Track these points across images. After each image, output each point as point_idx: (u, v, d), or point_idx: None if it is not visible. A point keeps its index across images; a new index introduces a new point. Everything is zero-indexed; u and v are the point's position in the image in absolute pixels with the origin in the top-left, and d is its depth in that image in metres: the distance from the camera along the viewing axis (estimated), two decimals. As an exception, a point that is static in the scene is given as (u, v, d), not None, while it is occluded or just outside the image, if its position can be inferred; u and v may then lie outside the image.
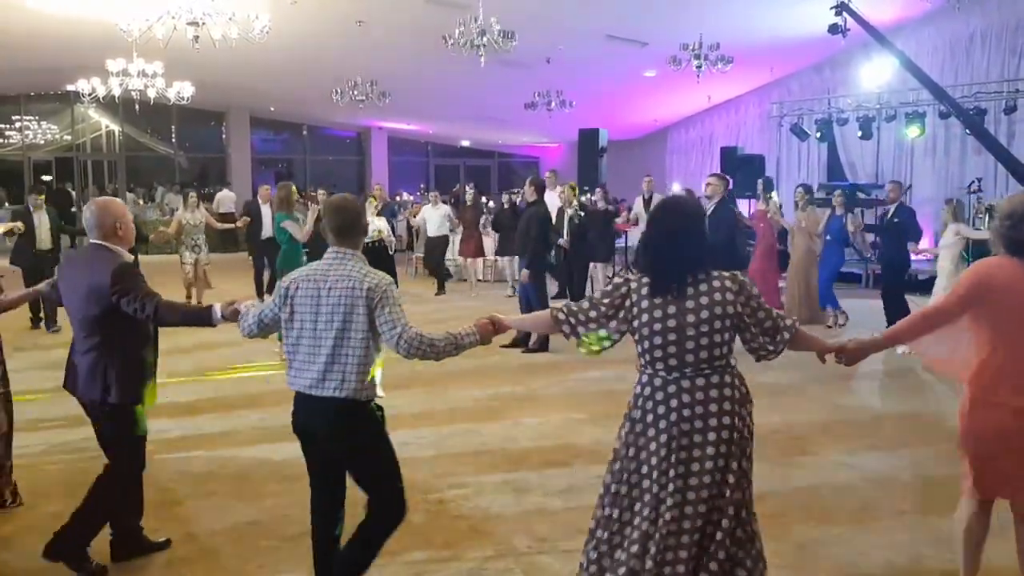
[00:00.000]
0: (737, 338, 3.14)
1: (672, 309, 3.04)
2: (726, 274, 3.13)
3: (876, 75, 16.36)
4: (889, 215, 10.06)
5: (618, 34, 15.23)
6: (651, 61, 16.25)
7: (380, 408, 3.50)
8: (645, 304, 3.09)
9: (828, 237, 10.57)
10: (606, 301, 3.18)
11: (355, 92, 16.96)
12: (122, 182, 24.79)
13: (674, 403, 3.06)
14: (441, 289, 13.65)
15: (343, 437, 3.41)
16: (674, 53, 13.74)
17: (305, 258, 8.37)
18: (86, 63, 15.47)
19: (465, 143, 29.75)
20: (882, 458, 5.81)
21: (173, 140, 26.05)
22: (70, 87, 17.90)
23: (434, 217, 13.84)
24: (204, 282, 11.77)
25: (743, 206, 14.90)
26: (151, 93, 14.44)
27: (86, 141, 25.63)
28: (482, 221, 14.56)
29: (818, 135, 17.09)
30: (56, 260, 9.74)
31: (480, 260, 14.51)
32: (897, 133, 15.88)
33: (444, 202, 14.95)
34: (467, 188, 15.21)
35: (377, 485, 3.50)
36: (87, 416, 4.08)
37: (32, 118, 24.86)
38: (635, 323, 3.11)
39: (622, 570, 3.05)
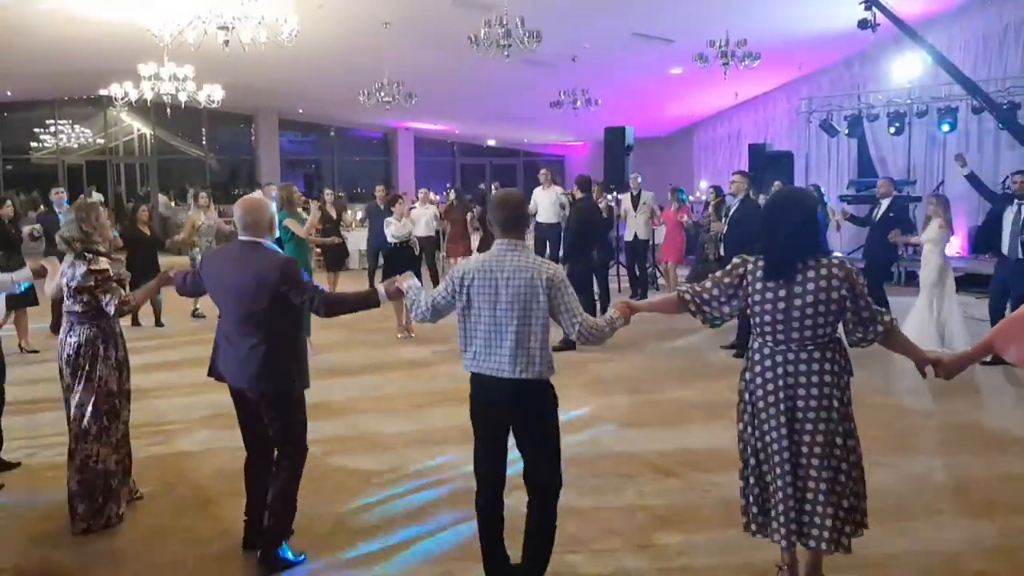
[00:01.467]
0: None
1: (783, 292, 3.47)
2: (835, 261, 3.50)
3: (907, 70, 16.18)
4: (883, 210, 10.10)
5: (644, 32, 15.18)
6: (677, 58, 16.17)
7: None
8: (759, 285, 3.53)
9: None
10: (727, 280, 3.64)
11: (382, 93, 17.02)
12: (154, 184, 25.07)
13: (780, 371, 3.52)
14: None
15: (528, 413, 3.68)
16: (700, 50, 13.66)
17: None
18: (118, 68, 15.65)
19: (491, 142, 29.77)
20: (919, 459, 5.76)
21: (203, 143, 26.29)
22: (103, 91, 18.05)
23: (422, 217, 13.57)
24: None
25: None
26: (182, 97, 14.57)
27: (118, 144, 25.92)
28: (468, 218, 14.52)
29: (846, 132, 16.93)
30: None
31: (462, 259, 14.62)
32: (929, 128, 15.72)
33: (468, 201, 14.99)
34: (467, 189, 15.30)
35: (550, 457, 3.74)
36: (241, 408, 4.18)
37: (66, 122, 25.19)
38: (750, 300, 3.57)
39: (755, 508, 3.67)
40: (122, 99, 15.35)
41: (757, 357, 3.60)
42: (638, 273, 13.52)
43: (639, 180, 13.82)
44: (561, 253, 9.51)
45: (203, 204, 11.93)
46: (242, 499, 5.00)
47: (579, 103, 17.74)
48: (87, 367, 4.49)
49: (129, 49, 14.15)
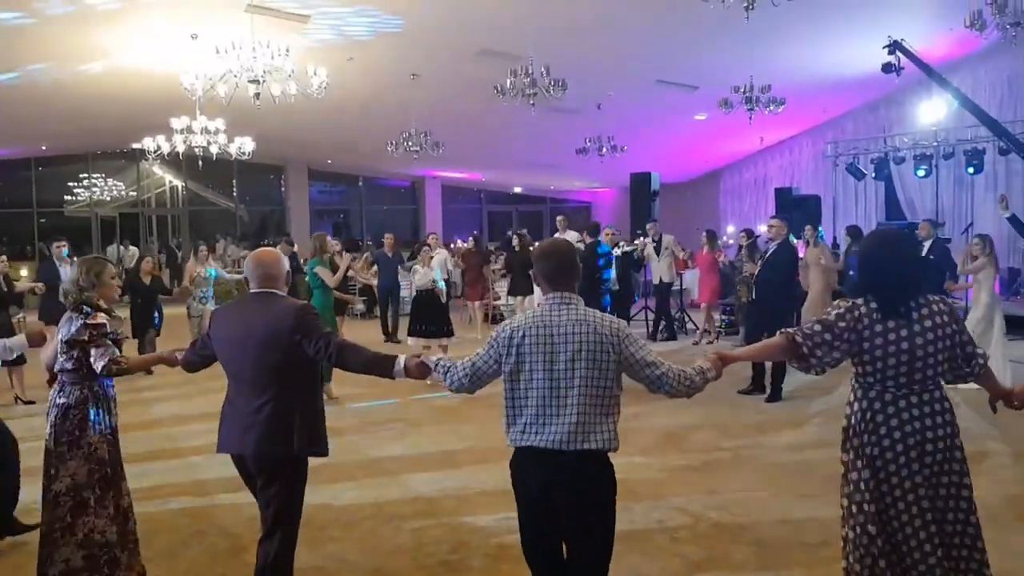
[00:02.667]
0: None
1: (904, 332, 3.27)
2: (936, 298, 3.40)
3: (932, 112, 16.17)
4: (924, 252, 10.20)
5: (668, 78, 15.32)
6: (702, 104, 16.28)
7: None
8: (879, 328, 3.29)
9: (851, 272, 10.65)
10: (840, 324, 3.34)
11: (409, 143, 17.25)
12: (185, 236, 25.43)
13: (905, 416, 3.28)
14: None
15: (585, 493, 3.22)
16: (725, 96, 13.75)
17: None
18: (151, 122, 15.97)
19: (518, 189, 29.96)
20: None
21: (234, 194, 26.69)
22: (135, 145, 18.43)
23: (434, 262, 13.72)
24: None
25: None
26: (213, 149, 14.82)
27: (151, 196, 26.38)
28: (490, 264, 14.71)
29: (874, 175, 16.90)
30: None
31: (479, 302, 14.90)
32: (956, 170, 15.66)
33: (495, 248, 15.17)
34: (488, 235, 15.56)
35: (595, 559, 3.28)
36: (246, 476, 3.84)
37: (99, 175, 25.70)
38: (866, 344, 3.30)
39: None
40: (155, 152, 15.64)
41: (877, 406, 3.31)
42: (663, 317, 13.56)
43: (658, 226, 13.93)
44: None
45: (202, 257, 12.02)
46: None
47: (605, 150, 17.86)
48: (76, 432, 4.14)
49: (162, 103, 14.46)
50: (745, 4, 9.18)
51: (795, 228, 13.53)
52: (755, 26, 10.35)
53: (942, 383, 3.39)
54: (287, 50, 10.94)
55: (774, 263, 9.00)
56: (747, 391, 9.13)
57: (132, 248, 23.58)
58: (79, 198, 25.59)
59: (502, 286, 14.34)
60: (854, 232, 13.44)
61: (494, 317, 15.59)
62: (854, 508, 3.35)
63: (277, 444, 3.63)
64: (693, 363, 3.40)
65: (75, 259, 11.70)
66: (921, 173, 15.78)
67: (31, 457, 5.22)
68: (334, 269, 9.63)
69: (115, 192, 26.02)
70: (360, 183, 28.58)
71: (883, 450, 3.29)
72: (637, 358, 3.22)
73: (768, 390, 8.93)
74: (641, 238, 13.69)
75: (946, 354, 3.33)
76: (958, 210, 16.07)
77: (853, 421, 3.40)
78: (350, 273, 11.07)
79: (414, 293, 10.50)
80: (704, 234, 13.62)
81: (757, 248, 11.39)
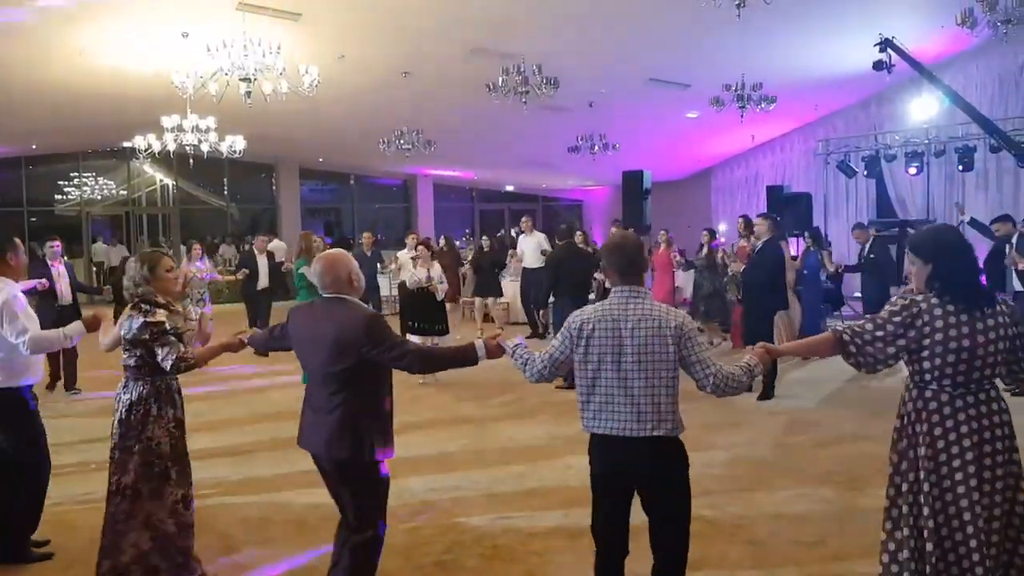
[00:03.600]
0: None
1: (966, 329, 3.22)
2: (1001, 299, 3.38)
3: (923, 110, 16.20)
4: (865, 253, 10.80)
5: (660, 77, 15.32)
6: (694, 102, 16.29)
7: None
8: (940, 324, 3.23)
9: (806, 272, 10.84)
10: (895, 321, 3.29)
11: (401, 141, 17.24)
12: (176, 235, 25.34)
13: (962, 416, 3.23)
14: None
15: (660, 475, 3.45)
16: (717, 94, 13.77)
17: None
18: (142, 120, 15.92)
19: (509, 188, 29.96)
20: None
21: (225, 192, 26.61)
22: (126, 144, 18.38)
23: (409, 262, 13.74)
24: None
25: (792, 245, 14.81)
26: (204, 148, 14.78)
27: (141, 196, 26.27)
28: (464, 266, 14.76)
29: (865, 173, 16.93)
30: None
31: (450, 304, 14.80)
32: (947, 168, 15.70)
33: (488, 247, 15.16)
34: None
35: (681, 520, 3.52)
36: (324, 475, 3.88)
37: (89, 174, 25.59)
38: (925, 341, 3.24)
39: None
40: (145, 151, 15.59)
41: (933, 406, 3.27)
42: None
43: (619, 225, 14.19)
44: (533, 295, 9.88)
45: (195, 256, 11.91)
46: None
47: (597, 148, 17.88)
48: (139, 427, 4.17)
49: (153, 102, 14.41)
50: (737, 2, 9.20)
51: (786, 225, 13.61)
52: (747, 24, 10.38)
53: (998, 384, 3.36)
54: (278, 48, 10.91)
55: (760, 262, 9.00)
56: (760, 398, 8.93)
57: (109, 246, 23.34)
58: (70, 197, 25.48)
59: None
60: (815, 234, 13.61)
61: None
62: (904, 509, 3.29)
63: (344, 447, 3.66)
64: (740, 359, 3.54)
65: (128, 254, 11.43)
66: (913, 171, 15.80)
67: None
68: None
69: (106, 191, 25.91)
70: (352, 181, 28.54)
71: (937, 451, 3.23)
72: (693, 357, 3.38)
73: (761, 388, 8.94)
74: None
75: (1004, 356, 3.29)
76: (949, 208, 16.10)
77: (906, 421, 3.36)
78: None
79: (395, 292, 10.46)
80: (704, 232, 13.60)
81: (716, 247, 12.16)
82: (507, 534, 5.17)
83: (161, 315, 4.18)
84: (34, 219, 24.92)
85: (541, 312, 13.14)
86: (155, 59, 13.21)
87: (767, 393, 8.82)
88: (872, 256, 10.73)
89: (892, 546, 3.30)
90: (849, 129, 18.33)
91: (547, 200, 30.87)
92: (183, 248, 23.90)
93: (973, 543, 3.14)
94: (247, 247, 16.61)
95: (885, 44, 11.80)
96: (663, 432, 3.37)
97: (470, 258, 15.52)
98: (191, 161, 15.91)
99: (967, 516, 3.16)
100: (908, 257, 3.47)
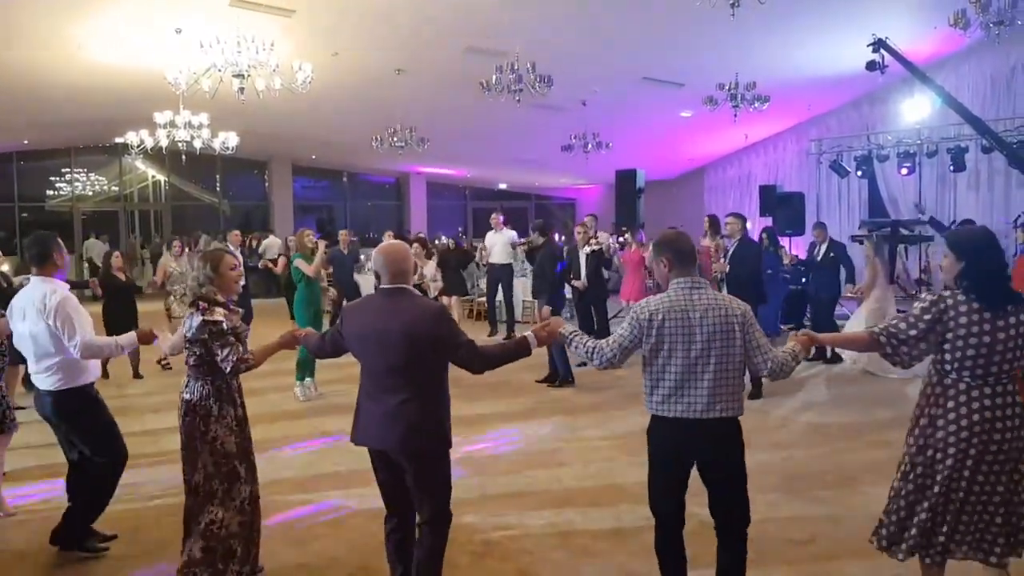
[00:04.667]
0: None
1: (988, 326, 3.50)
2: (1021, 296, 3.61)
3: (916, 111, 16.26)
4: (824, 251, 11.13)
5: (653, 76, 15.33)
6: (687, 102, 16.31)
7: None
8: (964, 320, 3.52)
9: (768, 271, 10.99)
10: (926, 318, 3.59)
11: (394, 139, 17.20)
12: (168, 231, 25.27)
13: (975, 405, 3.54)
14: None
15: (724, 452, 3.68)
16: (710, 93, 13.79)
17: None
18: (134, 116, 15.86)
19: (502, 186, 29.95)
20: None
21: (217, 189, 26.54)
22: (118, 139, 18.34)
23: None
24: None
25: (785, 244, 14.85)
26: (197, 144, 14.72)
27: (133, 192, 26.18)
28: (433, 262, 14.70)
29: (859, 174, 16.97)
30: None
31: None
32: (939, 168, 15.77)
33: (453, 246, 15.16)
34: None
35: (741, 496, 3.75)
36: (384, 471, 3.84)
37: (81, 170, 25.49)
38: (949, 335, 3.54)
39: (914, 530, 3.64)
40: (137, 147, 15.53)
41: (952, 393, 3.59)
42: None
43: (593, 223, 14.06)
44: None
45: (175, 251, 11.73)
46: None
47: (590, 146, 17.86)
48: (202, 427, 4.16)
49: (145, 97, 14.36)
50: (731, 1, 9.20)
51: (780, 226, 13.65)
52: (741, 24, 10.37)
53: (1016, 378, 3.60)
54: (272, 44, 10.87)
55: (739, 260, 9.08)
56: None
57: (97, 241, 23.23)
58: (61, 192, 25.39)
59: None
60: (771, 233, 13.70)
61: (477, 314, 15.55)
62: (918, 482, 3.67)
63: (423, 439, 3.71)
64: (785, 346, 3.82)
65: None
66: (904, 171, 15.86)
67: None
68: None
69: (97, 187, 25.83)
70: (344, 179, 28.50)
71: (948, 435, 3.57)
72: (754, 343, 3.63)
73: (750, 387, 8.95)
74: (626, 235, 13.73)
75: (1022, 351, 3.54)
76: (941, 208, 16.16)
77: (926, 404, 3.69)
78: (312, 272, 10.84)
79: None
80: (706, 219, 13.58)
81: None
82: (499, 532, 5.17)
83: (219, 313, 4.13)
84: (25, 214, 24.84)
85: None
86: (148, 55, 13.15)
87: (757, 392, 8.84)
88: (832, 255, 11.07)
89: (892, 517, 3.74)
90: (842, 129, 18.38)
91: (540, 198, 30.87)
92: (175, 244, 23.92)
93: (964, 518, 3.59)
94: (221, 242, 16.59)
95: (878, 44, 11.82)
96: (730, 413, 3.61)
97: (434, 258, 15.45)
98: (183, 157, 15.86)
99: (972, 498, 3.56)
100: (943, 251, 3.71)
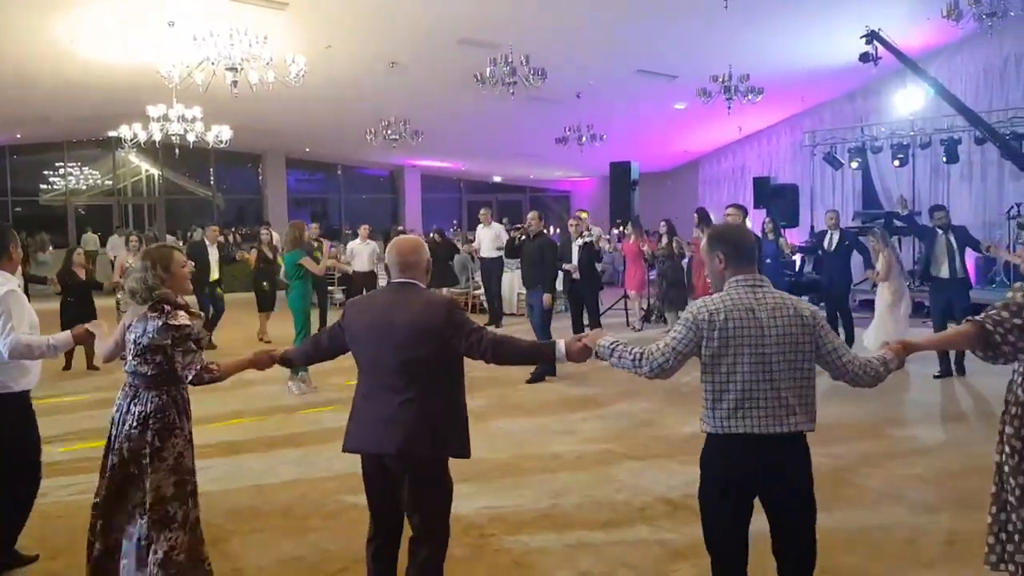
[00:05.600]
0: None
1: None
2: None
3: (910, 102, 16.30)
4: (837, 240, 11.02)
5: (647, 68, 15.33)
6: (681, 94, 16.32)
7: None
8: None
9: (768, 260, 11.04)
10: None
11: (388, 131, 17.20)
12: (162, 225, 25.24)
13: None
14: None
15: (793, 472, 3.22)
16: (704, 85, 13.80)
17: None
18: (127, 110, 15.84)
19: (497, 179, 29.95)
20: (929, 489, 5.74)
21: (211, 182, 26.51)
22: (111, 133, 18.31)
23: (363, 253, 13.85)
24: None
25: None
26: (190, 137, 14.71)
27: (127, 185, 26.16)
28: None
29: (853, 165, 16.99)
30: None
31: None
32: (932, 159, 15.80)
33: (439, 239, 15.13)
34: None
35: (812, 522, 3.28)
36: (377, 480, 3.56)
37: (74, 164, 25.45)
38: None
39: None
40: (131, 140, 15.51)
41: None
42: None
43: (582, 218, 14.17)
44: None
45: (134, 247, 11.51)
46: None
47: (584, 139, 17.88)
48: (158, 443, 3.70)
49: (138, 91, 14.34)
50: (724, -7, 9.22)
51: (775, 216, 13.66)
52: (734, 16, 10.43)
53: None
54: (265, 38, 10.86)
55: None
56: None
57: (94, 236, 23.16)
58: (55, 187, 25.34)
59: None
60: (774, 221, 13.75)
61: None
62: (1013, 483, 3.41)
63: (425, 444, 3.39)
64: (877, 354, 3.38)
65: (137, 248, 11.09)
66: (897, 163, 15.90)
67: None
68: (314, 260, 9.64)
69: (91, 181, 25.78)
70: (339, 172, 28.48)
71: None
72: (829, 345, 3.21)
73: None
74: (620, 228, 13.77)
75: None
76: (934, 199, 16.16)
77: (1016, 399, 3.42)
78: (330, 262, 11.09)
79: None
80: (663, 223, 13.61)
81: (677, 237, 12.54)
82: (495, 524, 5.19)
83: (183, 318, 3.71)
84: (19, 209, 24.80)
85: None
86: (141, 48, 13.13)
87: None
88: (847, 243, 11.04)
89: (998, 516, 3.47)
90: (835, 121, 18.41)
91: (535, 191, 30.89)
92: (169, 238, 23.93)
93: None
94: (194, 236, 16.55)
95: (871, 36, 11.85)
96: (804, 428, 3.18)
97: None
98: (177, 151, 15.80)
99: None
100: None
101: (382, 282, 14.24)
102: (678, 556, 4.67)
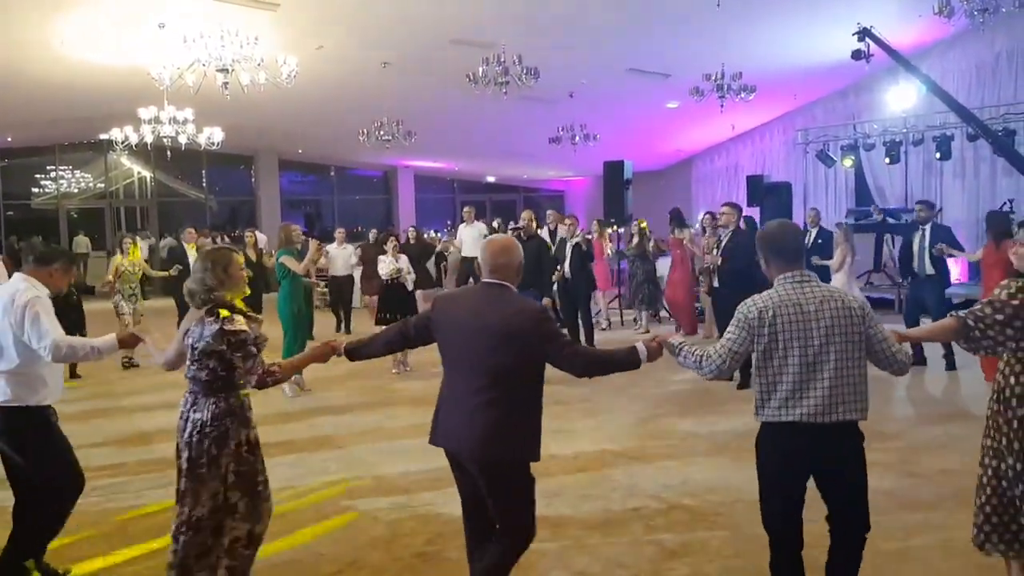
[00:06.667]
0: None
1: None
2: None
3: (901, 99, 16.31)
4: (813, 237, 11.25)
5: (640, 67, 15.32)
6: (674, 93, 16.31)
7: None
8: None
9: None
10: (1014, 303, 3.48)
11: (381, 132, 17.15)
12: (154, 227, 25.16)
13: None
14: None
15: (849, 457, 3.39)
16: (697, 84, 13.79)
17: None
18: (118, 112, 15.78)
19: (491, 179, 29.92)
20: (925, 485, 5.72)
21: (203, 184, 26.44)
22: (103, 136, 18.24)
23: (339, 257, 13.83)
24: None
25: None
26: (182, 139, 14.66)
27: (119, 188, 26.06)
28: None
29: (846, 162, 16.99)
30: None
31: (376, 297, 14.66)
32: (925, 156, 15.82)
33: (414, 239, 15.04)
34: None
35: (864, 506, 3.46)
36: (459, 475, 3.64)
37: (66, 167, 25.35)
38: None
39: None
40: (122, 143, 15.46)
41: None
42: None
43: (555, 216, 14.11)
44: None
45: (128, 249, 11.29)
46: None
47: (577, 138, 17.86)
48: (214, 451, 3.65)
49: (129, 93, 14.28)
50: (716, -9, 9.20)
51: (769, 214, 13.65)
52: (726, 14, 10.41)
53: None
54: (256, 39, 10.82)
55: (734, 250, 9.03)
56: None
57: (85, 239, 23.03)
58: (47, 190, 25.25)
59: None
60: (750, 221, 13.78)
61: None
62: (992, 472, 3.61)
63: (503, 448, 3.43)
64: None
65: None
66: (888, 160, 15.91)
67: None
68: (302, 260, 9.65)
69: (83, 184, 25.69)
70: (332, 173, 28.42)
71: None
72: (878, 335, 3.38)
73: (739, 377, 8.97)
74: (615, 227, 13.77)
75: None
76: (927, 196, 16.17)
77: (1008, 393, 3.55)
78: (322, 263, 11.08)
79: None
80: (635, 223, 13.59)
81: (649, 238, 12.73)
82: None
83: (240, 322, 3.65)
84: (11, 213, 24.72)
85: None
86: (131, 50, 13.08)
87: (745, 382, 8.86)
88: (820, 242, 11.22)
89: (985, 506, 3.64)
90: (828, 118, 18.42)
91: (528, 191, 30.86)
92: (164, 241, 23.89)
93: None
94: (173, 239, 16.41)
95: (863, 33, 11.85)
96: (854, 416, 3.32)
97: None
98: (169, 153, 15.75)
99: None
100: (1019, 239, 3.81)
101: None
102: (673, 556, 4.65)
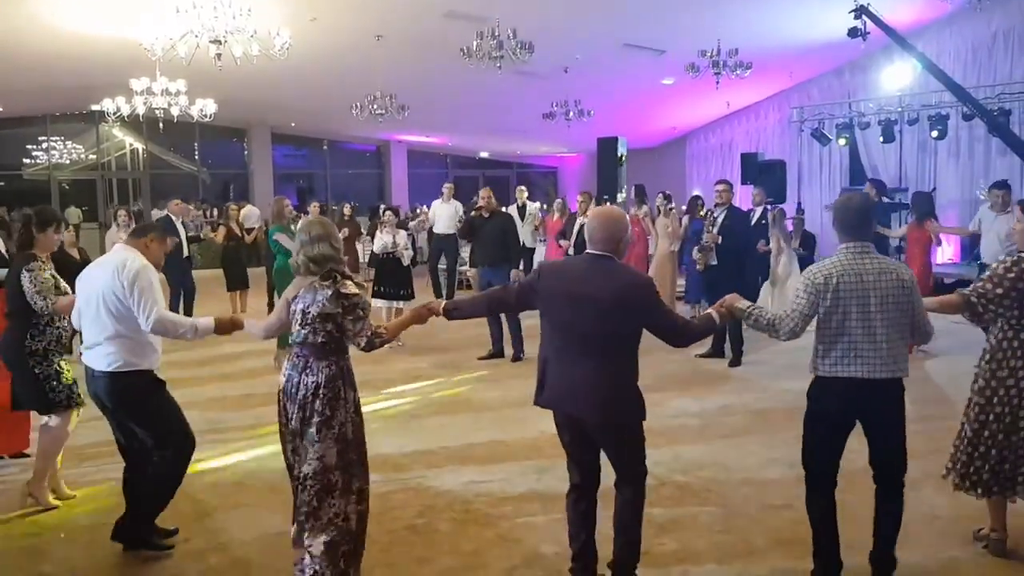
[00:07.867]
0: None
1: None
2: None
3: (897, 78, 16.26)
4: (757, 217, 10.72)
5: (635, 42, 15.24)
6: (669, 69, 16.25)
7: None
8: None
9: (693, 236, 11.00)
10: (1011, 276, 3.99)
11: (374, 106, 17.05)
12: (146, 200, 25.04)
13: None
14: None
15: (893, 409, 3.81)
16: (692, 60, 13.73)
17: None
18: (110, 83, 15.65)
19: (484, 154, 29.82)
20: (912, 465, 5.75)
21: (196, 157, 26.29)
22: (95, 107, 18.10)
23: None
24: None
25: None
26: (174, 111, 14.55)
27: (111, 160, 25.90)
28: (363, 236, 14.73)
29: (841, 141, 16.95)
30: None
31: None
32: (920, 135, 15.79)
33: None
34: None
35: (903, 450, 3.88)
36: (569, 434, 3.93)
37: (57, 138, 25.16)
38: None
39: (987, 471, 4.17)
40: (114, 114, 15.34)
41: (1017, 343, 4.07)
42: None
43: (525, 194, 14.46)
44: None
45: (123, 223, 11.11)
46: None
47: (571, 114, 17.80)
48: (327, 412, 3.76)
49: (121, 64, 14.16)
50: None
51: (767, 193, 13.62)
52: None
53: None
54: (249, 10, 10.72)
55: (732, 228, 8.99)
56: (706, 355, 9.18)
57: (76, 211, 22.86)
58: (38, 161, 25.08)
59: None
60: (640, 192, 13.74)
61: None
62: (976, 424, 4.17)
63: (623, 411, 3.79)
64: None
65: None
66: (882, 139, 15.88)
67: None
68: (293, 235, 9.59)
69: (74, 155, 25.52)
70: (325, 147, 28.28)
71: (1018, 379, 4.05)
72: (920, 306, 3.80)
73: (730, 355, 8.99)
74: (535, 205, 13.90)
75: None
76: (921, 175, 16.23)
77: (1001, 356, 4.11)
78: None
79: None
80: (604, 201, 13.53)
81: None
82: (479, 498, 5.19)
83: (352, 287, 3.81)
84: (1, 183, 24.57)
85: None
86: (123, 20, 12.95)
87: (736, 360, 8.90)
88: (764, 223, 10.83)
89: (960, 455, 4.28)
90: (823, 97, 18.38)
91: (522, 167, 30.77)
92: (155, 213, 23.78)
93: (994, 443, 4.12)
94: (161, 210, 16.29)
95: (860, 11, 11.78)
96: (899, 374, 3.74)
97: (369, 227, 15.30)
98: (161, 125, 15.63)
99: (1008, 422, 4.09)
100: (1018, 216, 4.10)
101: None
102: (663, 531, 4.69)
